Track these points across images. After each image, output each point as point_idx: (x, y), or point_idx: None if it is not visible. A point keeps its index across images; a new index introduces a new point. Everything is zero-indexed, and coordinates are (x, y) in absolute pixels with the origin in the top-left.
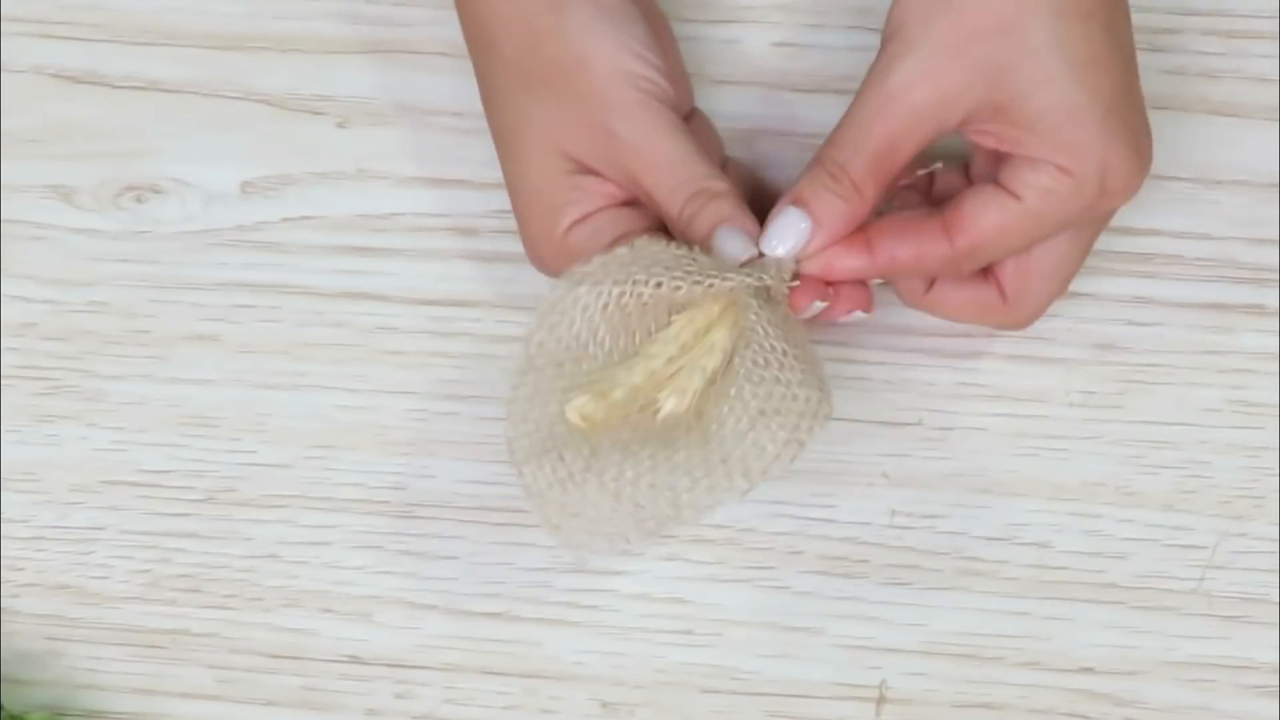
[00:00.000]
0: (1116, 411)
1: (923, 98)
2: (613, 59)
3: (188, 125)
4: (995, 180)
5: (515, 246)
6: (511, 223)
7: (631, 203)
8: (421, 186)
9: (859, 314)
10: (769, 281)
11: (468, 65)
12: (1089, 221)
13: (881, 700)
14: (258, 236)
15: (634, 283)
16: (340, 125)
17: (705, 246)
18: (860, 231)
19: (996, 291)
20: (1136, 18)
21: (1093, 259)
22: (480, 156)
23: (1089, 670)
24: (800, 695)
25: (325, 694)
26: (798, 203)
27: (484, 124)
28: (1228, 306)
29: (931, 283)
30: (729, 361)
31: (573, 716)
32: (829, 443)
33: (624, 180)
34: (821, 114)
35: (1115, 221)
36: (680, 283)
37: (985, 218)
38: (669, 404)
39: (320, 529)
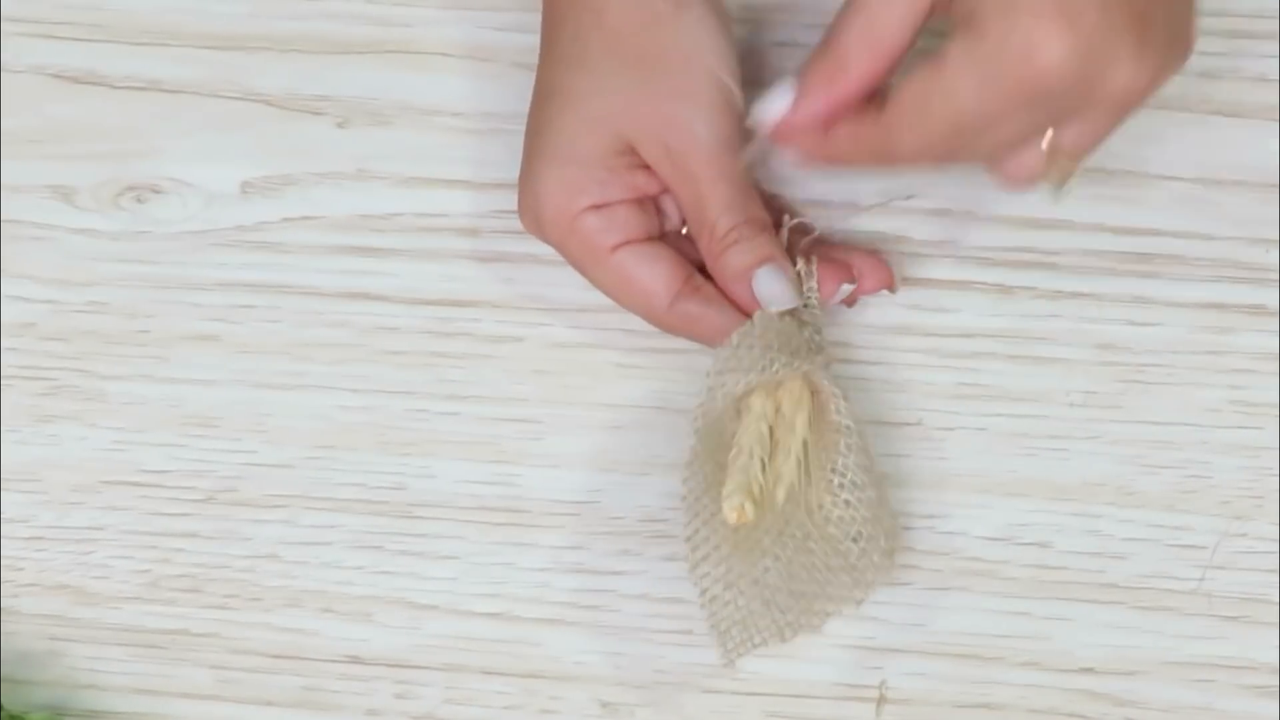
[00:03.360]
0: (1116, 411)
1: None
2: (717, 65)
3: (188, 125)
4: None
5: (515, 246)
6: (513, 223)
7: (643, 201)
8: (421, 186)
9: (885, 291)
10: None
11: (468, 65)
12: (1041, 102)
13: (881, 700)
14: (258, 236)
15: (760, 368)
16: (340, 125)
17: (740, 276)
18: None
19: (875, 111)
20: None
21: (1093, 259)
22: (480, 156)
23: (1089, 670)
24: (800, 695)
25: (325, 694)
26: (794, 75)
27: (484, 124)
28: (1228, 306)
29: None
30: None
31: (573, 716)
32: None
33: (675, 180)
34: None
35: (1116, 221)
36: (772, 369)
37: (907, 87)
38: (780, 494)
39: (320, 529)
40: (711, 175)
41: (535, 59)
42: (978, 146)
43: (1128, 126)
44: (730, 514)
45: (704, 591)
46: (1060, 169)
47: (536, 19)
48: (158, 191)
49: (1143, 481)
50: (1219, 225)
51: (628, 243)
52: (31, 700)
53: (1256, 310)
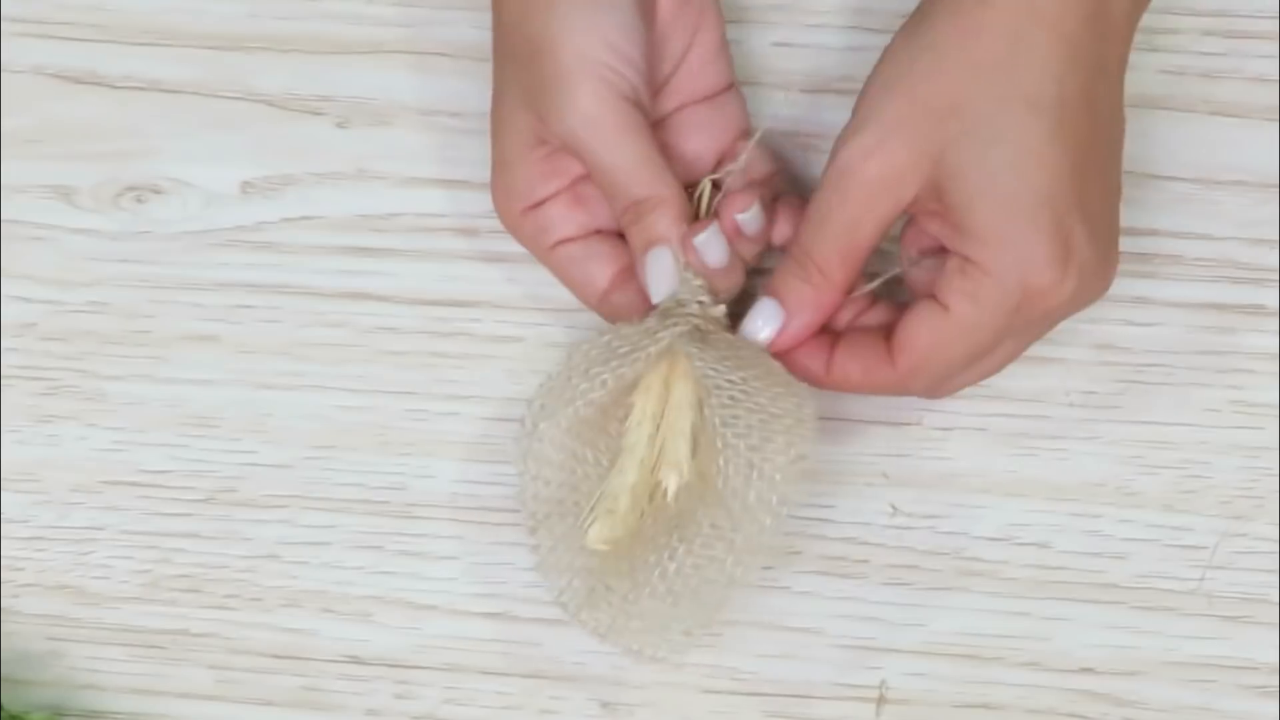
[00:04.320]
0: (1116, 411)
1: (875, 173)
2: (581, 46)
3: (188, 125)
4: (931, 293)
5: (515, 246)
6: None
7: (578, 191)
8: (421, 186)
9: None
10: (696, 321)
11: (467, 65)
12: (1023, 327)
13: (881, 700)
14: (258, 236)
15: (581, 393)
16: (340, 125)
17: (637, 260)
18: (825, 338)
19: (885, 352)
20: None
21: None
22: (480, 156)
23: (1089, 670)
24: (800, 695)
25: (325, 694)
26: (772, 293)
27: (484, 124)
28: (1228, 306)
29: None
30: (702, 409)
31: (573, 716)
32: (829, 443)
33: (582, 163)
34: (821, 114)
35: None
36: (622, 367)
37: (920, 335)
38: (671, 481)
39: (320, 529)
40: (592, 166)
41: None
42: (988, 368)
43: (1129, 126)
44: (596, 544)
45: (595, 632)
46: None
47: None
48: (158, 191)
49: (1142, 481)
50: (1219, 225)
51: (561, 243)
52: (31, 700)
53: (1256, 310)
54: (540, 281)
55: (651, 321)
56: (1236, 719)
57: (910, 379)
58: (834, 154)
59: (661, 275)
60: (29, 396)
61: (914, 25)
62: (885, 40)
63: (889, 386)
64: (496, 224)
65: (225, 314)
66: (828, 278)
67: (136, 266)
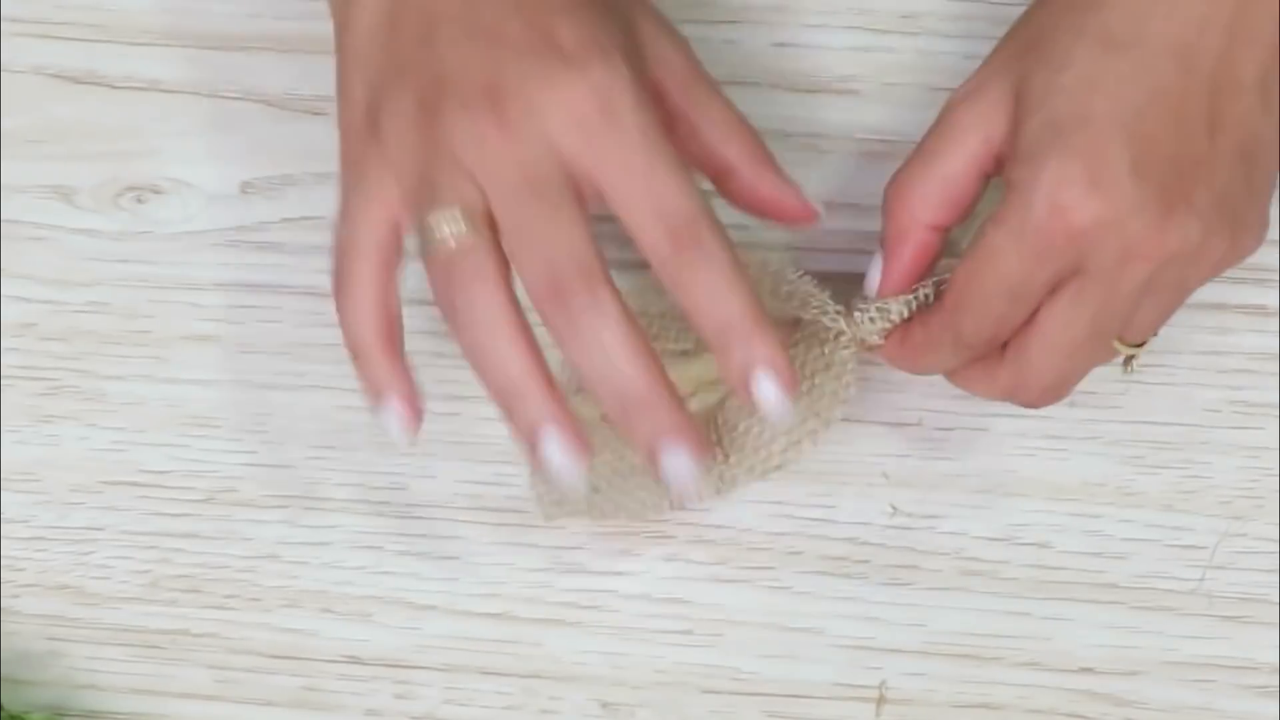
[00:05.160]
0: (1116, 411)
1: (965, 107)
2: None
3: (188, 125)
4: None
5: None
6: None
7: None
8: None
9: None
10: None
11: None
12: (1065, 267)
13: (881, 700)
14: (258, 236)
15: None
16: None
17: None
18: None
19: (999, 353)
20: None
21: None
22: None
23: (1089, 670)
24: (800, 695)
25: (325, 694)
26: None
27: None
28: (1228, 306)
29: None
30: None
31: (573, 716)
32: (829, 443)
33: None
34: (821, 114)
35: None
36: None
37: (959, 269)
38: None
39: (320, 529)
40: None
41: None
42: (1075, 335)
43: None
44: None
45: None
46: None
47: None
48: (158, 191)
49: (1142, 481)
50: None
51: None
52: (31, 700)
53: (1256, 310)
54: None
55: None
56: (1236, 719)
57: (954, 314)
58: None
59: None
60: (29, 396)
61: None
62: (885, 40)
63: (942, 330)
64: None
65: (225, 314)
66: (919, 217)
67: (136, 266)
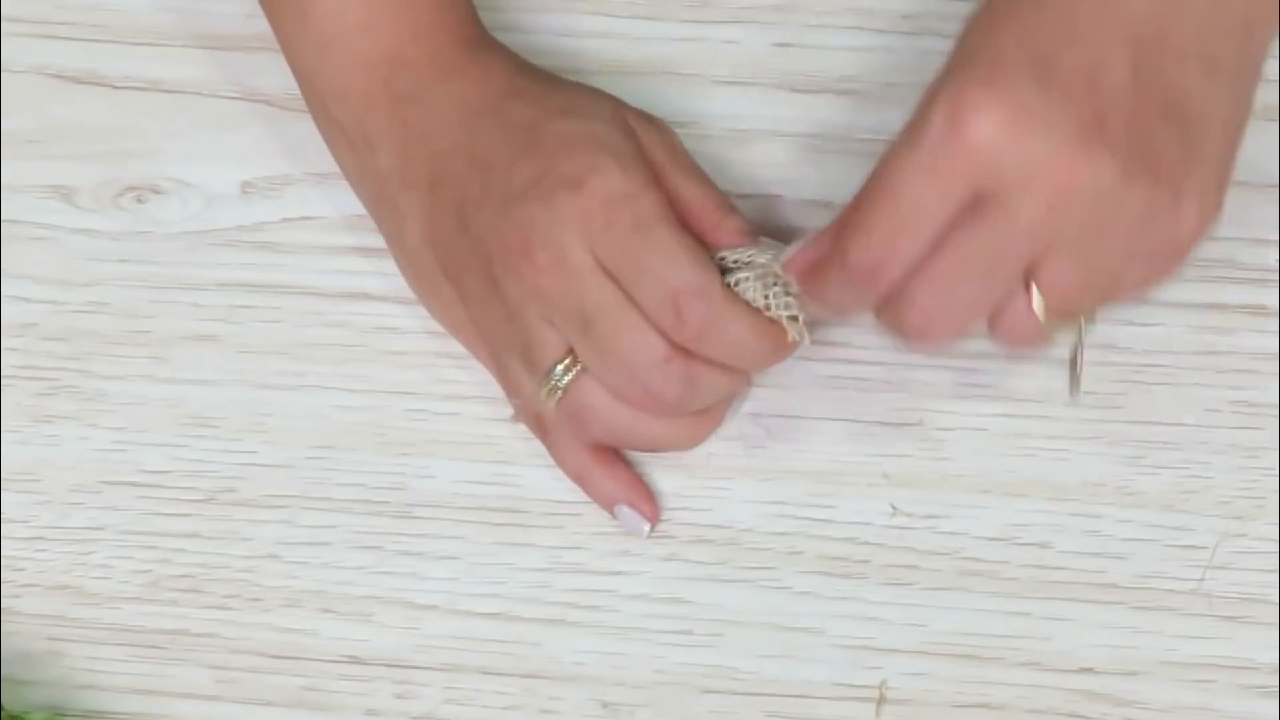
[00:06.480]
0: (1116, 411)
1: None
2: None
3: (188, 125)
4: None
5: None
6: None
7: None
8: None
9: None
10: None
11: None
12: (964, 194)
13: (881, 700)
14: (258, 236)
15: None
16: None
17: None
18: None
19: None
20: None
21: None
22: None
23: (1089, 670)
24: (800, 695)
25: (325, 694)
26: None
27: None
28: (1228, 306)
29: None
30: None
31: (573, 716)
32: (829, 443)
33: None
34: (821, 114)
35: None
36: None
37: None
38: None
39: (320, 529)
40: None
41: (532, 60)
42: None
43: None
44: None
45: None
46: (1053, 325)
47: (533, 20)
48: (158, 191)
49: (1142, 481)
50: (1219, 225)
51: None
52: (31, 700)
53: (1256, 310)
54: None
55: None
56: (1236, 719)
57: (841, 238)
58: None
59: None
60: (29, 396)
61: None
62: (885, 40)
63: (831, 260)
64: None
65: (225, 314)
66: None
67: (136, 266)
